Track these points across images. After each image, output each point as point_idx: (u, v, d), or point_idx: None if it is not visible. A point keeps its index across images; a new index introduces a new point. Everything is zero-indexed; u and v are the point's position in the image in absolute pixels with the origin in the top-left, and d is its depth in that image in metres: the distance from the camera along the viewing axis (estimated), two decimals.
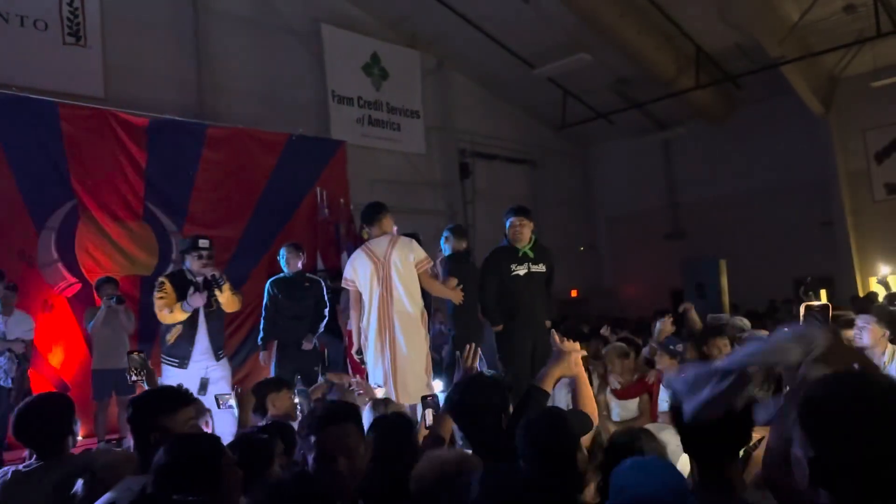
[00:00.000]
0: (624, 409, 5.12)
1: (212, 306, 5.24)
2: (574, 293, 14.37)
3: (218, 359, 5.28)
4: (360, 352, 5.19)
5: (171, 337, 5.13)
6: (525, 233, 5.46)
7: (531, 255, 5.49)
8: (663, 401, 4.71)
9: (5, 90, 6.87)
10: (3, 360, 5.93)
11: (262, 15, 9.89)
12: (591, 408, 2.70)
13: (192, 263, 5.20)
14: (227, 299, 5.28)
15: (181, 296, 5.07)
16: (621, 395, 5.14)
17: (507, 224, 5.49)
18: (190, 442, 1.98)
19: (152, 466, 1.89)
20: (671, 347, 5.00)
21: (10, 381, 5.93)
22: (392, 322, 4.94)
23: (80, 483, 2.31)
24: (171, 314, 5.04)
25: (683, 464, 2.32)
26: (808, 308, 2.80)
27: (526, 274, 5.45)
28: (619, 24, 10.33)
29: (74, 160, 7.14)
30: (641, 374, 5.21)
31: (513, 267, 5.43)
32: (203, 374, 5.08)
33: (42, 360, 6.68)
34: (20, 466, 2.73)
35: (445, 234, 6.40)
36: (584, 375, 2.90)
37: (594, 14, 10.18)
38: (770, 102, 12.32)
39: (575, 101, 12.99)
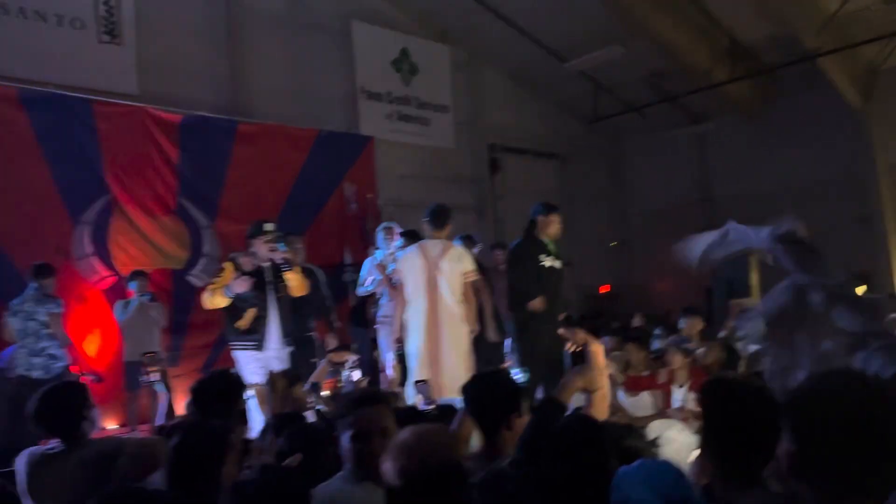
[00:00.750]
0: (635, 406, 5.11)
1: (280, 291, 5.16)
2: (606, 288, 14.26)
3: (286, 345, 5.22)
4: (400, 340, 5.36)
5: (244, 322, 5.01)
6: (561, 229, 5.63)
7: (554, 250, 5.64)
8: (677, 399, 4.67)
9: (42, 88, 7.06)
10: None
11: (294, 12, 9.96)
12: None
13: (259, 248, 5.09)
14: (297, 282, 5.17)
15: None
16: (630, 389, 5.14)
17: (545, 220, 5.57)
18: (197, 432, 2.03)
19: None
20: (684, 346, 4.96)
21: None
22: (439, 319, 5.13)
23: (116, 466, 2.39)
24: (210, 298, 4.97)
25: (693, 459, 2.31)
26: None
27: (550, 266, 5.56)
28: (653, 15, 10.19)
29: (109, 156, 7.33)
30: (652, 371, 5.17)
31: (541, 257, 5.55)
32: (276, 358, 5.03)
33: (77, 352, 6.86)
34: (45, 449, 2.86)
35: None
36: (605, 388, 2.73)
37: (626, 6, 10.07)
38: (806, 95, 12.01)
39: (606, 95, 12.84)
